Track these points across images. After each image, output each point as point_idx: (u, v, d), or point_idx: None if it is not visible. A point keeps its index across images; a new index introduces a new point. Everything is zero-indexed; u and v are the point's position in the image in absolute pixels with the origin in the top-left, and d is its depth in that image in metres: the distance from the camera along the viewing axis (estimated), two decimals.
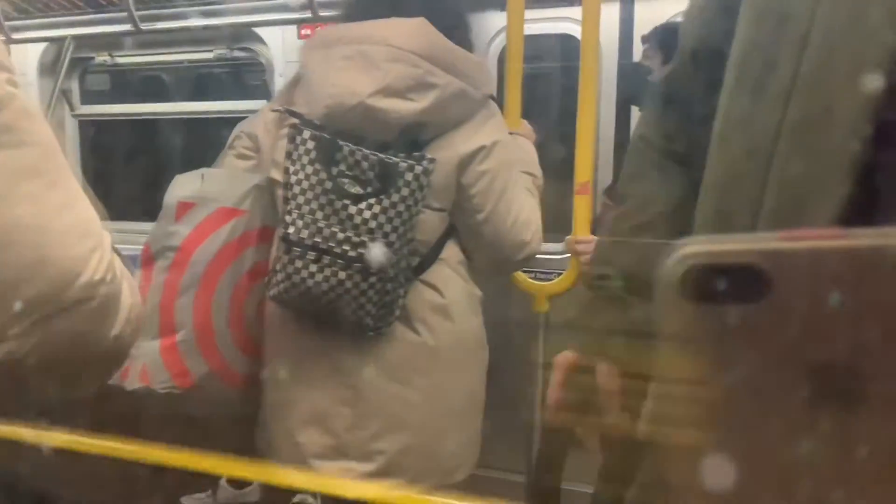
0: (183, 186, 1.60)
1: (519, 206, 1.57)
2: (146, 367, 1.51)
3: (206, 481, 2.67)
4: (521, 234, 1.56)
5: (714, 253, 0.45)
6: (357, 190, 1.40)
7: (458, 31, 1.54)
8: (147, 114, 3.35)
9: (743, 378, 0.44)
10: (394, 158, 1.41)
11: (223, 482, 2.68)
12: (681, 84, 0.94)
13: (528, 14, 1.88)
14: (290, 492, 2.50)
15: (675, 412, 0.49)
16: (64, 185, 0.63)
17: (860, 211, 0.61)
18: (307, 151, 1.42)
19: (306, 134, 1.43)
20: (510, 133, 1.77)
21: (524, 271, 1.98)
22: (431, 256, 1.56)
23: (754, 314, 0.43)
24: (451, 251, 1.58)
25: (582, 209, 1.85)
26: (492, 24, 2.65)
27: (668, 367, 0.49)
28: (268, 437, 1.64)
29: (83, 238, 0.62)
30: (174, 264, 1.52)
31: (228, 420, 1.70)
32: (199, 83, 3.45)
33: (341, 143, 1.41)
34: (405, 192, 1.40)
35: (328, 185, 1.41)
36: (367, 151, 1.41)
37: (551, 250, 2.51)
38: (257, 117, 1.71)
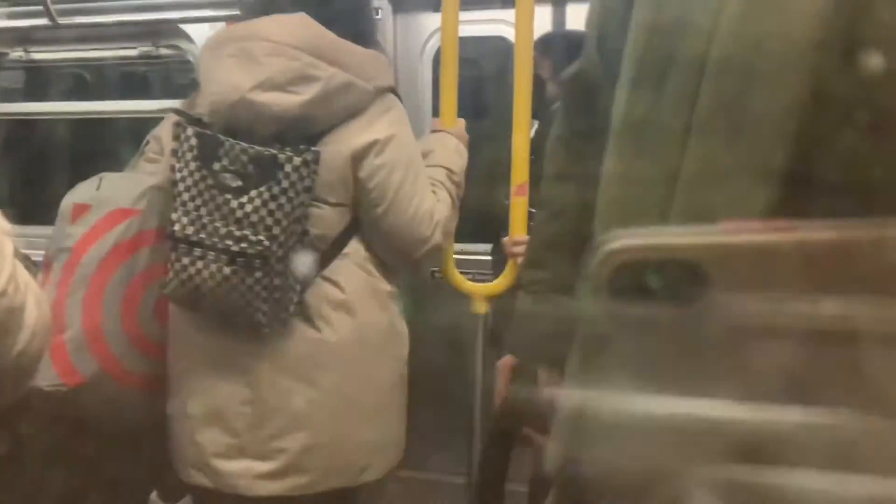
0: (80, 191, 1.61)
1: (419, 201, 1.57)
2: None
3: (134, 497, 2.56)
4: (421, 228, 1.57)
5: (645, 247, 0.44)
6: (238, 184, 1.41)
7: (359, 29, 1.57)
8: (65, 113, 3.19)
9: (677, 375, 0.44)
10: (272, 151, 1.41)
11: (153, 497, 2.57)
12: (588, 80, 0.95)
13: (463, 16, 1.88)
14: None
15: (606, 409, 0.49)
16: None
17: (780, 182, 0.61)
18: (190, 148, 1.43)
19: (189, 131, 1.43)
20: (440, 131, 1.78)
21: (461, 272, 1.98)
22: (333, 252, 1.55)
23: (689, 309, 0.41)
24: (356, 247, 1.58)
25: (519, 210, 1.86)
26: (426, 25, 2.64)
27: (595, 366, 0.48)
28: (170, 439, 1.63)
29: None
30: (66, 265, 1.52)
31: (137, 422, 1.66)
32: (123, 81, 3.32)
33: (222, 138, 1.42)
34: (285, 184, 1.40)
35: (210, 180, 1.41)
36: (247, 145, 1.41)
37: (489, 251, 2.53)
38: (165, 121, 1.71)
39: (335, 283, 1.54)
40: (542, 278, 1.01)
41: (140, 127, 3.00)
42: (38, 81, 3.37)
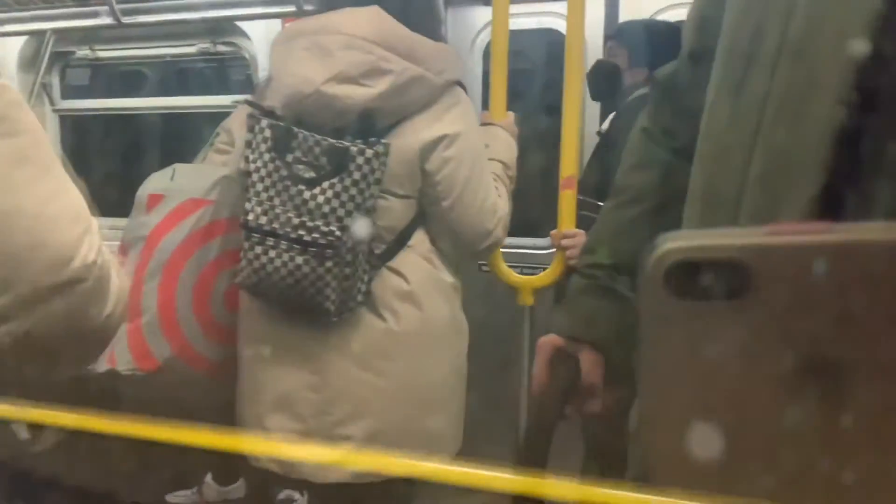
0: (154, 181, 1.66)
1: (484, 195, 1.58)
2: (113, 350, 1.54)
3: (192, 478, 2.66)
4: (486, 222, 1.58)
5: (696, 248, 0.45)
6: (311, 175, 1.43)
7: (426, 23, 1.57)
8: (128, 109, 3.32)
9: (723, 371, 0.45)
10: (345, 143, 1.43)
11: (209, 479, 2.67)
12: (680, 81, 0.97)
13: (513, 9, 1.88)
14: (276, 488, 2.51)
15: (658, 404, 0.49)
16: (54, 172, 0.66)
17: (844, 182, 0.62)
18: (264, 140, 1.45)
19: (264, 123, 1.46)
20: (491, 124, 1.78)
21: (509, 265, 1.99)
22: (398, 243, 1.57)
23: (737, 309, 0.43)
24: (420, 238, 1.60)
25: (567, 203, 1.86)
26: (477, 18, 2.65)
27: (651, 359, 0.49)
28: (240, 423, 1.66)
29: (74, 223, 0.65)
30: (142, 252, 1.58)
31: (208, 405, 1.72)
32: (182, 78, 3.42)
33: (296, 130, 1.44)
34: (357, 175, 1.42)
35: (283, 171, 1.44)
36: (320, 137, 1.43)
37: (538, 245, 2.53)
38: (234, 113, 1.75)
39: (400, 275, 1.56)
40: (601, 263, 1.01)
41: (199, 121, 3.11)
42: (102, 78, 3.51)
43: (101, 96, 3.39)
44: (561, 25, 2.28)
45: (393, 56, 1.46)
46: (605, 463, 2.10)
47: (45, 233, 0.62)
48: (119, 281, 0.71)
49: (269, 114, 1.49)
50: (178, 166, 1.69)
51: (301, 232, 1.43)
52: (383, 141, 1.45)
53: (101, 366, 1.54)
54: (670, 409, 0.48)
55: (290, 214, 1.44)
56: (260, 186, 1.46)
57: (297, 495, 2.48)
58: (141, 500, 2.46)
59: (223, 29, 2.92)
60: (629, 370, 0.95)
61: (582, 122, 2.10)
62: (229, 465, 2.67)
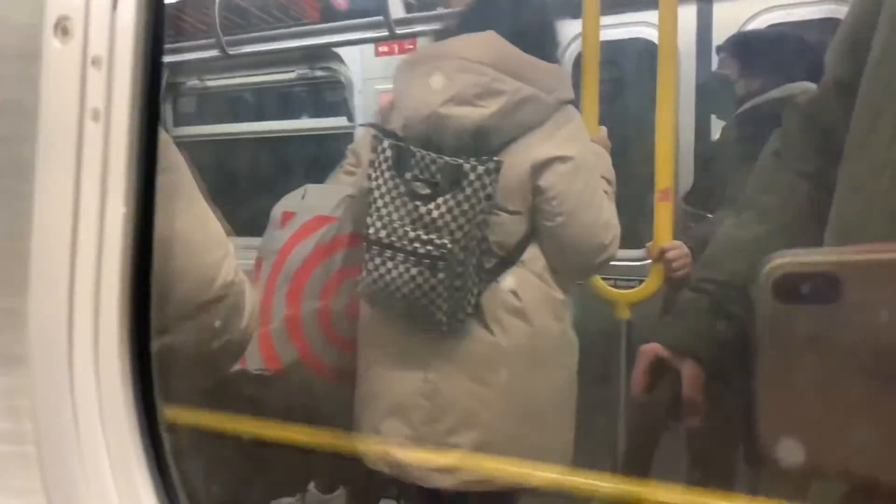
0: (287, 200, 1.81)
1: (597, 210, 1.59)
2: (246, 353, 1.66)
3: (295, 486, 2.76)
4: (601, 237, 1.59)
5: (798, 263, 0.53)
6: (427, 191, 1.51)
7: (543, 45, 1.62)
8: (234, 134, 3.52)
9: (823, 372, 0.50)
10: (459, 160, 1.49)
11: (311, 487, 2.76)
12: (820, 108, 0.98)
13: (604, 20, 1.89)
14: (375, 497, 2.57)
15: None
16: (197, 202, 0.74)
17: None
18: (386, 159, 1.55)
19: (385, 143, 1.55)
20: None
21: (603, 278, 1.98)
22: (511, 259, 1.60)
23: (832, 315, 0.50)
24: (533, 255, 1.61)
25: (663, 215, 1.84)
26: (566, 31, 2.66)
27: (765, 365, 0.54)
28: (356, 427, 1.73)
29: (216, 246, 0.73)
30: (275, 264, 1.71)
31: (327, 409, 1.81)
32: (282, 102, 3.60)
33: (414, 149, 1.52)
34: (468, 191, 1.48)
35: (402, 188, 1.53)
36: (436, 155, 1.50)
37: (631, 257, 2.50)
38: (362, 136, 1.88)
39: (511, 290, 1.59)
40: (716, 279, 1.02)
41: (300, 142, 3.26)
42: (208, 105, 3.74)
43: (208, 122, 3.61)
44: (653, 35, 2.27)
45: (506, 77, 1.52)
46: (709, 474, 2.05)
47: (194, 256, 0.70)
48: (251, 296, 0.79)
49: (391, 135, 1.58)
50: (310, 187, 1.83)
51: (416, 245, 1.51)
52: (495, 158, 1.50)
53: (235, 367, 1.67)
54: (779, 398, 0.54)
55: (406, 228, 1.52)
56: (380, 203, 1.55)
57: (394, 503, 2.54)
58: None
59: (321, 55, 3.06)
60: (729, 388, 0.95)
61: (676, 132, 2.07)
62: (331, 474, 2.76)
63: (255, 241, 1.84)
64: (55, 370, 0.61)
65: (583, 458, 1.69)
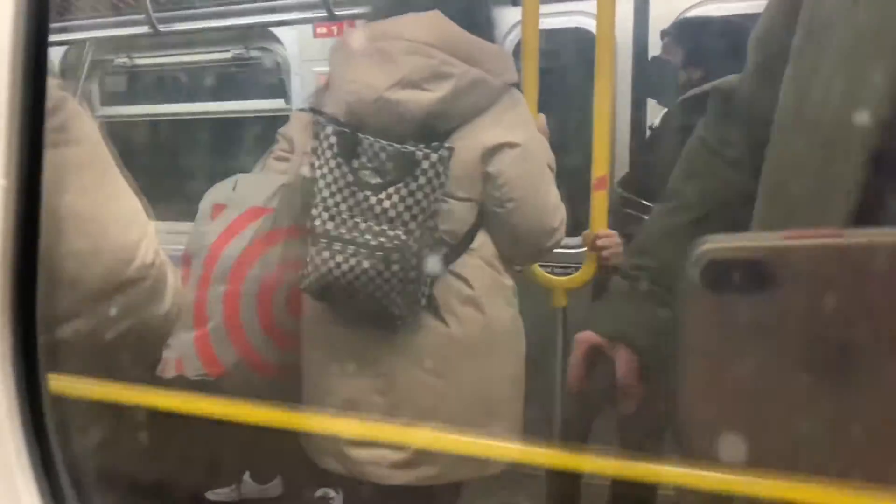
0: (217, 191, 1.70)
1: (546, 194, 1.58)
2: (181, 358, 1.57)
3: (230, 477, 2.71)
4: (551, 221, 1.58)
5: (729, 249, 0.52)
6: (377, 180, 1.45)
7: (479, 27, 1.56)
8: (165, 114, 3.39)
9: (750, 361, 0.50)
10: (410, 148, 1.44)
11: (247, 477, 2.72)
12: (743, 95, 0.99)
13: (543, 8, 1.88)
14: (313, 486, 2.55)
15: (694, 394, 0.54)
16: (112, 177, 0.69)
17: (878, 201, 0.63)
18: (330, 146, 1.47)
19: (329, 129, 1.47)
20: None
21: (540, 265, 2.00)
22: (461, 247, 1.57)
23: (761, 303, 0.49)
24: (483, 242, 1.59)
25: (599, 204, 1.86)
26: (505, 19, 2.66)
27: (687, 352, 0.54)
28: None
29: (132, 226, 0.68)
30: (206, 261, 1.61)
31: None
32: (217, 83, 3.49)
33: (361, 136, 1.45)
34: (422, 180, 1.44)
35: (350, 177, 1.45)
36: (385, 143, 1.45)
37: (568, 244, 2.53)
38: (293, 120, 1.78)
39: (463, 279, 1.56)
40: (646, 265, 1.03)
41: (234, 125, 3.16)
42: (138, 85, 3.59)
43: (138, 103, 3.48)
44: (590, 24, 2.28)
45: (454, 60, 1.47)
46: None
47: (106, 235, 0.66)
48: (174, 280, 0.75)
49: (333, 120, 1.50)
50: (240, 176, 1.73)
51: (367, 236, 1.44)
52: (447, 145, 1.46)
53: (170, 372, 1.58)
54: (703, 386, 0.54)
55: (356, 219, 1.45)
56: (326, 192, 1.47)
57: (332, 493, 2.52)
58: (181, 497, 2.52)
59: (257, 35, 2.97)
60: (664, 373, 0.96)
61: (613, 121, 2.10)
62: (267, 463, 2.72)
63: (182, 225, 1.76)
64: None
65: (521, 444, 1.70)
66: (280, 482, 2.74)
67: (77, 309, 0.65)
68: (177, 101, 3.45)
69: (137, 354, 0.79)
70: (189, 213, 1.78)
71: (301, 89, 2.90)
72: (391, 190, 1.44)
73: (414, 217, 1.44)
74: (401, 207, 1.44)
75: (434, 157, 1.43)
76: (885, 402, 0.47)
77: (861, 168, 0.63)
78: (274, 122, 3.07)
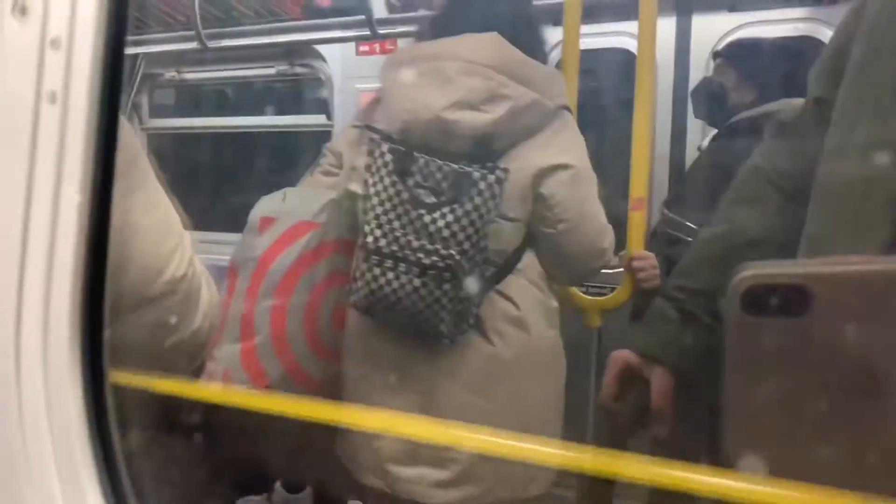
0: (266, 204, 1.69)
1: (597, 216, 1.58)
2: (228, 369, 1.58)
3: (261, 485, 2.73)
4: (601, 242, 1.58)
5: (769, 275, 0.54)
6: (432, 200, 1.45)
7: (532, 47, 1.57)
8: (211, 127, 3.48)
9: (788, 384, 0.50)
10: (467, 168, 1.44)
11: (278, 486, 2.74)
12: (803, 126, 0.98)
13: (584, 28, 1.89)
14: (342, 497, 2.55)
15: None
16: (148, 186, 0.68)
17: None
18: (385, 164, 1.47)
19: (384, 147, 1.48)
20: None
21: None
22: (507, 267, 1.57)
23: (800, 328, 0.50)
24: (529, 262, 1.59)
25: (636, 225, 1.85)
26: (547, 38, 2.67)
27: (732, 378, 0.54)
28: (347, 441, 1.68)
29: (166, 237, 0.67)
30: (254, 274, 1.59)
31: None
32: (261, 98, 3.57)
33: (417, 155, 1.46)
34: (478, 200, 1.43)
35: (404, 195, 1.46)
36: (441, 162, 1.45)
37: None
38: (341, 135, 1.78)
39: (509, 299, 1.56)
40: (689, 288, 1.02)
41: (279, 139, 3.22)
42: (186, 98, 3.69)
43: (185, 115, 3.57)
44: (632, 45, 2.28)
45: (511, 82, 1.48)
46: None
47: (137, 245, 0.65)
48: (209, 294, 0.74)
49: (388, 138, 1.51)
50: (289, 190, 1.73)
51: (420, 255, 1.44)
52: (502, 167, 1.46)
53: (216, 384, 1.59)
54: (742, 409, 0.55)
55: (409, 237, 1.44)
56: (380, 209, 1.47)
57: None
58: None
59: (301, 52, 3.04)
60: (698, 396, 0.95)
61: (652, 142, 2.09)
62: (297, 473, 2.73)
63: (224, 236, 1.78)
64: (1, 362, 0.58)
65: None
66: (310, 492, 2.75)
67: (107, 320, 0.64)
68: (221, 114, 3.53)
69: (169, 365, 0.78)
70: (231, 224, 1.80)
71: (343, 105, 2.95)
72: (446, 209, 1.44)
73: (468, 237, 1.44)
74: (455, 227, 1.44)
75: (491, 178, 1.43)
76: None
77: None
78: (317, 137, 3.13)
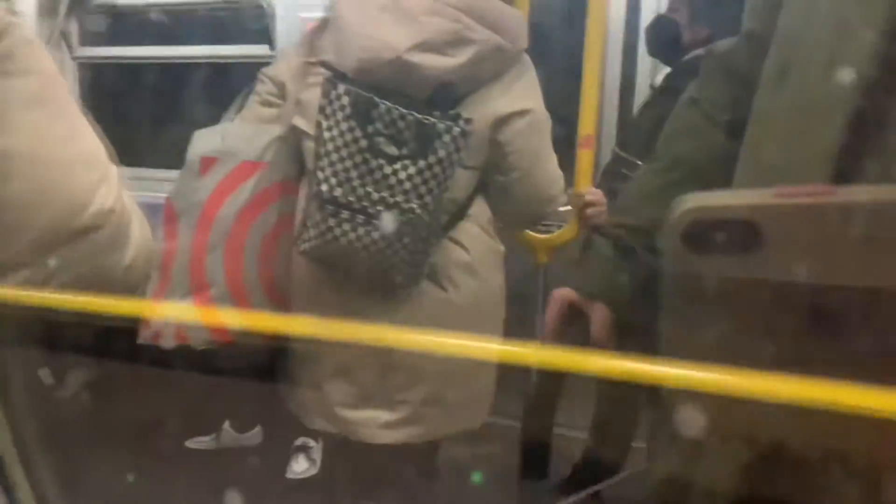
0: (204, 142, 1.59)
1: (550, 163, 1.57)
2: (182, 326, 1.52)
3: (210, 425, 2.73)
4: (551, 189, 1.58)
5: (712, 208, 0.50)
6: (393, 150, 1.38)
7: None
8: (147, 57, 3.30)
9: (733, 325, 0.48)
10: (431, 119, 1.39)
11: (226, 426, 2.74)
12: (736, 59, 0.97)
13: None
14: (293, 434, 2.58)
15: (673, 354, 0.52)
16: (68, 116, 0.62)
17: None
18: (342, 107, 1.39)
19: (341, 89, 1.39)
20: None
21: None
22: (459, 214, 1.56)
23: (747, 264, 0.47)
24: (480, 208, 1.58)
25: (585, 163, 1.85)
26: None
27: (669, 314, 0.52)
28: (294, 388, 1.68)
29: (89, 169, 0.62)
30: (200, 221, 1.52)
31: (255, 371, 1.72)
32: (199, 26, 3.39)
33: (378, 100, 1.38)
34: (442, 153, 1.39)
35: (363, 143, 1.39)
36: (405, 111, 1.38)
37: None
38: (282, 62, 1.68)
39: (461, 245, 1.56)
40: (628, 224, 1.03)
41: (215, 70, 3.09)
42: (120, 26, 3.48)
43: (118, 44, 3.37)
44: None
45: (477, 25, 1.41)
46: (614, 418, 2.14)
47: (58, 178, 0.60)
48: (141, 231, 0.70)
49: (343, 77, 1.42)
50: (227, 126, 1.63)
51: (380, 207, 1.39)
52: (466, 117, 1.41)
53: (169, 342, 1.53)
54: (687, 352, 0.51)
55: (369, 189, 1.39)
56: (335, 157, 1.40)
57: (312, 442, 2.55)
58: (162, 446, 2.54)
59: None
60: (638, 331, 0.97)
61: (602, 80, 2.07)
62: (247, 412, 2.74)
63: (162, 173, 1.70)
64: None
65: (498, 400, 1.72)
66: (260, 431, 2.76)
67: (24, 258, 0.59)
68: (158, 43, 3.35)
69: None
70: (169, 160, 1.71)
71: (286, 35, 2.83)
72: (408, 162, 1.38)
73: (430, 190, 1.40)
74: (417, 180, 1.39)
75: (456, 130, 1.38)
76: (872, 368, 0.45)
77: (841, 131, 0.62)
78: (256, 69, 3.00)
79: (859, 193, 0.47)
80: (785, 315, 0.47)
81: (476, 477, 2.14)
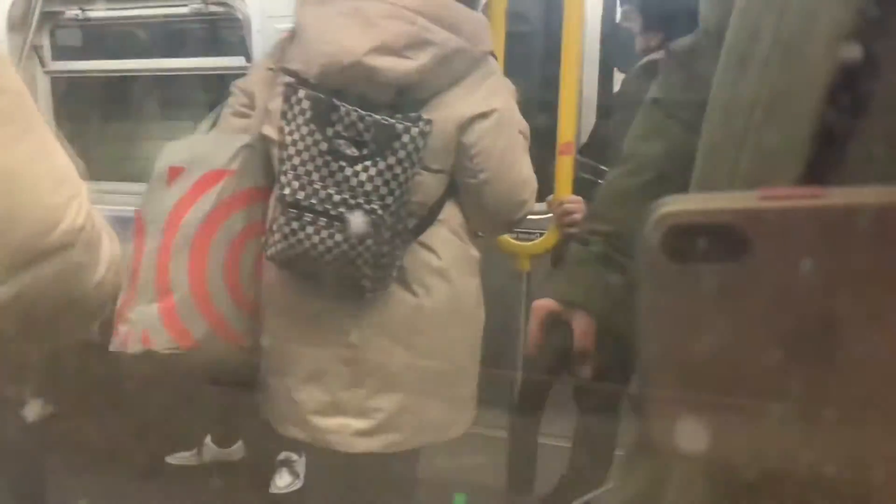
0: (173, 152, 1.60)
1: (520, 166, 1.57)
2: (147, 331, 1.52)
3: (192, 440, 2.70)
4: (522, 192, 1.58)
5: (692, 212, 0.47)
6: (353, 151, 1.40)
7: None
8: (120, 70, 3.27)
9: (720, 336, 0.46)
10: (390, 120, 1.40)
11: (208, 441, 2.71)
12: (694, 56, 0.96)
13: None
14: (276, 448, 2.55)
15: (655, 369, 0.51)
16: (37, 132, 0.61)
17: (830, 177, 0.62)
18: (302, 111, 1.40)
19: (301, 93, 1.41)
20: None
21: None
22: (429, 218, 1.56)
23: (732, 273, 0.44)
24: (451, 212, 1.58)
25: (564, 169, 1.86)
26: None
27: (648, 323, 0.50)
28: (267, 395, 1.66)
29: (59, 186, 0.61)
30: (166, 227, 1.52)
31: (228, 379, 1.71)
32: (174, 39, 3.37)
33: (337, 103, 1.39)
34: (402, 154, 1.39)
35: (323, 146, 1.40)
36: (364, 112, 1.39)
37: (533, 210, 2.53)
38: (252, 73, 1.69)
39: (431, 250, 1.55)
40: (601, 231, 1.03)
41: (191, 83, 3.06)
42: (93, 40, 3.44)
43: (93, 58, 3.33)
44: None
45: (435, 27, 1.42)
46: (596, 428, 2.14)
47: (27, 196, 0.59)
48: (111, 246, 0.68)
49: (305, 83, 1.43)
50: (197, 136, 1.64)
51: (342, 209, 1.40)
52: (426, 117, 1.42)
53: (135, 347, 1.51)
54: (666, 368, 0.50)
55: (330, 191, 1.40)
56: (297, 160, 1.41)
57: (294, 456, 2.53)
58: (142, 462, 2.51)
59: None
60: (621, 338, 0.97)
61: (580, 87, 2.09)
62: (229, 427, 2.71)
63: (134, 186, 1.68)
64: None
65: (482, 407, 1.72)
66: (242, 446, 2.73)
67: None
68: (132, 56, 3.32)
69: (70, 329, 0.73)
70: (140, 174, 1.70)
71: (262, 47, 2.81)
72: (368, 163, 1.39)
73: (391, 191, 1.41)
74: (378, 181, 1.40)
75: (415, 130, 1.39)
76: (870, 378, 0.44)
77: (806, 124, 0.62)
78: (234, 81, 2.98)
79: (851, 196, 0.45)
80: (774, 328, 0.45)
81: (460, 499, 2.13)
